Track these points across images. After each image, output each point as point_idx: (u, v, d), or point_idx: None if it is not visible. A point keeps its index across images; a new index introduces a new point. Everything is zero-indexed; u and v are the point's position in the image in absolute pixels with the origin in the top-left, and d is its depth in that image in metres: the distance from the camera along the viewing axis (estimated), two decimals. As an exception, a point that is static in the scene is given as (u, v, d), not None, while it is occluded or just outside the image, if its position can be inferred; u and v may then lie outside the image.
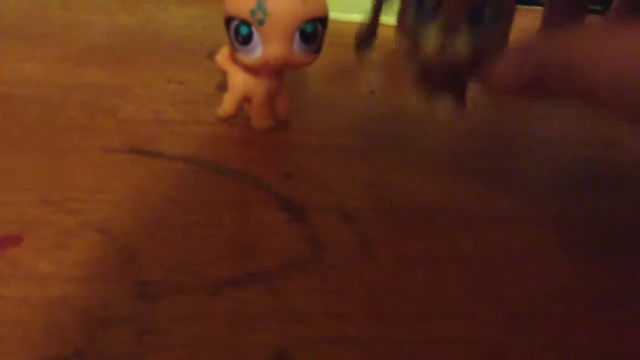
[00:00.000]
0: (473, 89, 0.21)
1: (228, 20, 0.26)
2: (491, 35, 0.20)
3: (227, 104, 0.29)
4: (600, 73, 0.17)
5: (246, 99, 0.29)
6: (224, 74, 0.29)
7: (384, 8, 0.22)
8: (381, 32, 0.47)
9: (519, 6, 0.22)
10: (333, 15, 0.46)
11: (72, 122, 0.29)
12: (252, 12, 0.25)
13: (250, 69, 0.28)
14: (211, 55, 0.29)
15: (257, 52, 0.26)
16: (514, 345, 0.18)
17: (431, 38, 0.19)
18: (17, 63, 0.35)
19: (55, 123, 0.29)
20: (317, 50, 0.27)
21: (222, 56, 0.28)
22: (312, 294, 0.19)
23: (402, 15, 0.21)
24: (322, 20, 0.26)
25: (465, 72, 0.21)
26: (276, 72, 0.28)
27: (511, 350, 0.18)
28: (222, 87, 0.30)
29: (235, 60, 0.28)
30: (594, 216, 0.25)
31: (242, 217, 0.23)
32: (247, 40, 0.26)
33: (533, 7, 0.49)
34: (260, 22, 0.25)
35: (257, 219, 0.23)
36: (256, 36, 0.26)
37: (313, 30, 0.26)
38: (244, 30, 0.25)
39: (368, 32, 0.23)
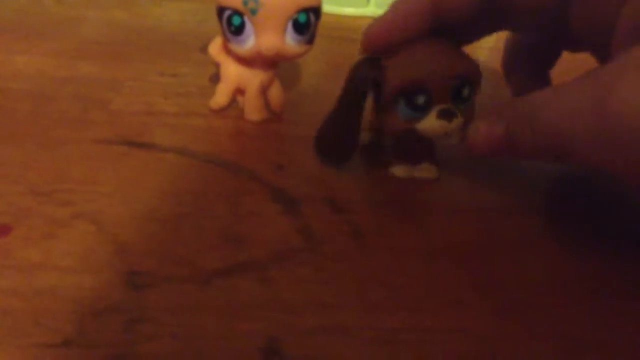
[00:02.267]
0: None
1: (220, 10, 0.26)
2: (469, 109, 0.23)
3: (220, 95, 0.29)
4: (560, 133, 0.18)
5: (239, 91, 0.29)
6: (217, 67, 0.29)
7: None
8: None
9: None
10: (328, 8, 0.46)
11: (65, 115, 0.29)
12: (245, 2, 0.25)
13: (243, 60, 0.28)
14: (205, 48, 0.29)
15: (250, 42, 0.26)
16: (505, 335, 0.18)
17: (434, 124, 0.23)
18: (10, 57, 0.35)
19: (47, 116, 0.28)
20: (310, 41, 0.27)
21: (215, 47, 0.28)
22: (303, 284, 0.19)
23: (387, 117, 0.23)
24: (315, 10, 0.26)
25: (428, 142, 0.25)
26: (269, 63, 0.28)
27: (502, 339, 0.18)
28: (216, 79, 0.30)
29: (228, 51, 0.28)
30: (586, 207, 0.25)
31: (235, 208, 0.23)
32: (239, 30, 0.26)
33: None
34: (253, 12, 0.25)
35: (249, 210, 0.23)
36: (248, 26, 0.25)
37: (306, 21, 0.26)
38: (236, 20, 0.25)
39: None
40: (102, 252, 0.20)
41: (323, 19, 0.27)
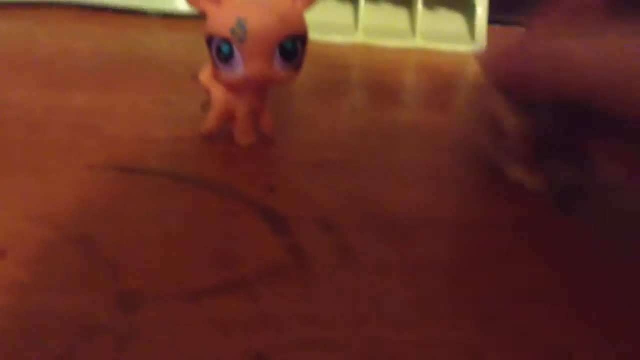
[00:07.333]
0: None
1: (209, 38, 0.27)
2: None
3: (210, 120, 0.30)
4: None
5: (229, 116, 0.30)
6: (208, 94, 0.30)
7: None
8: (361, 52, 0.48)
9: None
10: (316, 36, 0.47)
11: (57, 143, 0.29)
12: (232, 31, 0.25)
13: (232, 87, 0.28)
14: (194, 76, 0.30)
15: (239, 69, 0.27)
16: (490, 346, 0.18)
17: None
18: (2, 88, 0.36)
19: (40, 144, 0.29)
20: (298, 67, 0.28)
21: (205, 74, 0.29)
22: (291, 300, 0.20)
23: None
24: (301, 38, 0.27)
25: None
26: (259, 89, 0.29)
27: (487, 349, 0.18)
28: (206, 106, 0.30)
29: (217, 78, 0.29)
30: (569, 219, 0.26)
31: (224, 228, 0.23)
32: (228, 58, 0.26)
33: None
34: (240, 40, 0.26)
35: (239, 230, 0.23)
36: (237, 54, 0.26)
37: (293, 47, 0.27)
38: (225, 48, 0.26)
39: None
40: (91, 274, 0.20)
41: (311, 47, 0.28)
